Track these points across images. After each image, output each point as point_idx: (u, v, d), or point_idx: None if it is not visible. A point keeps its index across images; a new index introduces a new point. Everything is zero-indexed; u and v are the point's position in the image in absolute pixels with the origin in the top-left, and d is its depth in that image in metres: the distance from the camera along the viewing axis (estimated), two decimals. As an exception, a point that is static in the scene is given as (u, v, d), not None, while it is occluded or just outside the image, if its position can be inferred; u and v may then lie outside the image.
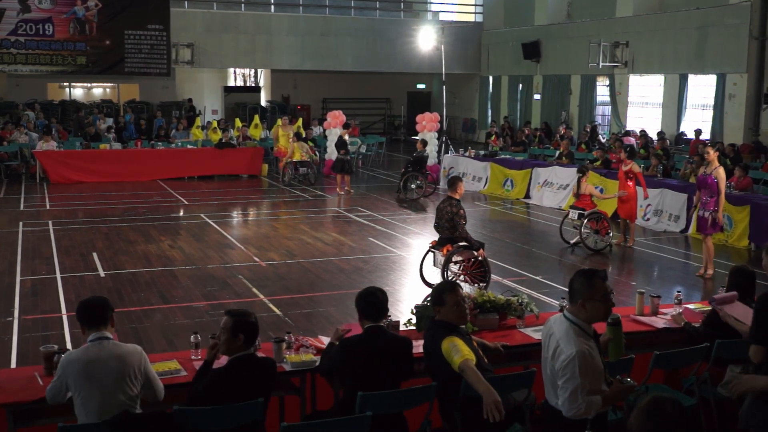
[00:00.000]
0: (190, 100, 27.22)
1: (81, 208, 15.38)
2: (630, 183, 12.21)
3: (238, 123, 22.62)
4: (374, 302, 4.66)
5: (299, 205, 16.37)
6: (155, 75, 24.59)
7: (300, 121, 22.67)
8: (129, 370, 4.19)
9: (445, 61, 22.48)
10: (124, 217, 14.41)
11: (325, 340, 5.39)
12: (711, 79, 19.70)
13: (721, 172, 10.73)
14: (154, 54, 23.68)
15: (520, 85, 27.09)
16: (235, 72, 33.75)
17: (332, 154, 20.39)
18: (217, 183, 19.18)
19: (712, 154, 10.89)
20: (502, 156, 19.00)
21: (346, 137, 18.21)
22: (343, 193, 17.62)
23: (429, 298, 6.06)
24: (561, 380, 3.90)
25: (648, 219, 14.05)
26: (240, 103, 30.97)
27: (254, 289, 9.57)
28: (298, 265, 10.96)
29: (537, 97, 26.35)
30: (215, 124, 22.14)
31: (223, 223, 14.16)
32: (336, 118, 20.29)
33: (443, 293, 4.63)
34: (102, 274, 10.25)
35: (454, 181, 9.55)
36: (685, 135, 20.15)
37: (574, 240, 12.26)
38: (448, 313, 4.57)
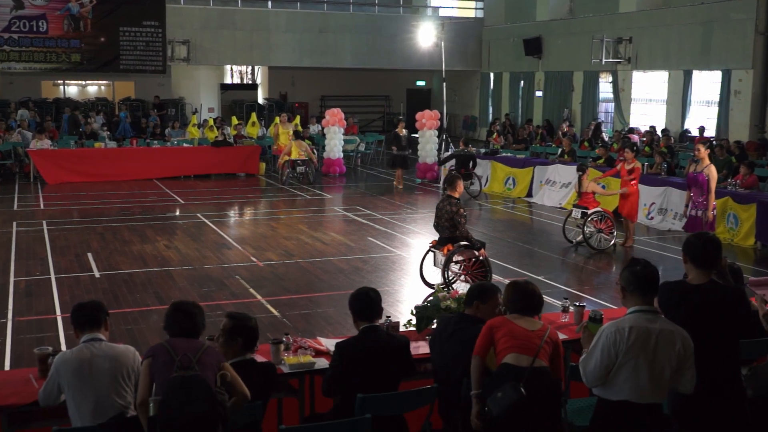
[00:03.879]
0: (156, 97, 26.91)
1: (76, 208, 15.19)
2: (633, 182, 12.01)
3: (234, 121, 22.41)
4: (368, 302, 4.61)
5: (297, 205, 16.18)
6: (151, 72, 24.41)
7: (298, 119, 22.45)
8: (122, 370, 4.18)
9: (445, 57, 22.28)
10: (120, 216, 14.22)
11: (324, 342, 5.35)
12: (716, 75, 19.53)
13: (713, 170, 10.56)
14: (150, 51, 23.48)
15: (522, 82, 26.92)
16: (231, 69, 33.59)
17: (330, 152, 20.21)
18: (214, 182, 18.98)
19: (703, 152, 10.77)
20: (504, 154, 18.82)
21: (402, 132, 18.25)
22: (401, 187, 17.97)
23: (430, 299, 5.88)
24: (690, 363, 3.84)
25: (652, 218, 13.87)
26: (237, 100, 30.81)
27: (252, 290, 9.43)
28: (296, 265, 10.79)
29: (539, 94, 26.19)
30: (211, 122, 21.93)
31: (220, 223, 13.97)
32: (334, 116, 20.07)
33: (488, 292, 4.66)
34: (97, 274, 10.09)
35: (453, 180, 9.32)
36: (690, 132, 19.98)
37: (578, 239, 12.06)
38: (486, 312, 4.57)
